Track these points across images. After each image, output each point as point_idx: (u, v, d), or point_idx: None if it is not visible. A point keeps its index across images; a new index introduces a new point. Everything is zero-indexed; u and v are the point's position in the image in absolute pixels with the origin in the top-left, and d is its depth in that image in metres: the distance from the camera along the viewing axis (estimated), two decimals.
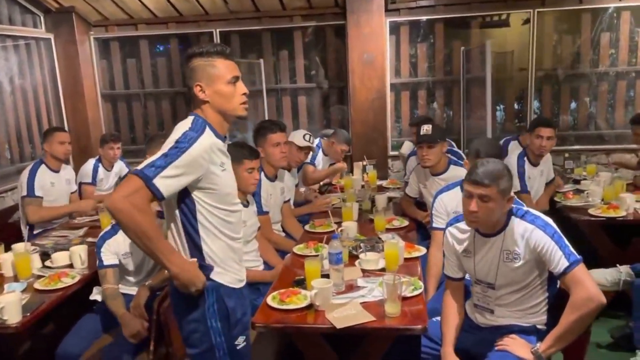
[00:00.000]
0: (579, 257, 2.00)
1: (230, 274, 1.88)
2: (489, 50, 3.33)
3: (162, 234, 1.74)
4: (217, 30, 5.43)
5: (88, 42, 5.58)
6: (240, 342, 1.92)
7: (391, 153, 5.43)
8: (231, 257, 1.90)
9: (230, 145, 2.74)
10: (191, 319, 1.84)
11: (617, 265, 2.96)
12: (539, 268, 2.09)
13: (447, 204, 2.91)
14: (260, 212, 3.15)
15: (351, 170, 4.86)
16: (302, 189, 4.25)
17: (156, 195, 1.63)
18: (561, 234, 2.05)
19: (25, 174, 3.82)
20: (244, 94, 1.82)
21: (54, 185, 3.91)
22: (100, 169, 4.61)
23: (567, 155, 4.43)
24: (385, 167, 5.22)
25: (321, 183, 4.69)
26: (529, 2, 4.99)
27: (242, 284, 1.97)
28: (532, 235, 2.04)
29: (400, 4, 5.17)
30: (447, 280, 2.34)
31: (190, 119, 1.78)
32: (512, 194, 2.09)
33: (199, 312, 1.82)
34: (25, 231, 3.94)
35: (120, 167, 4.76)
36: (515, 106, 5.51)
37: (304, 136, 3.86)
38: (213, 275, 1.83)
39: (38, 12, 5.25)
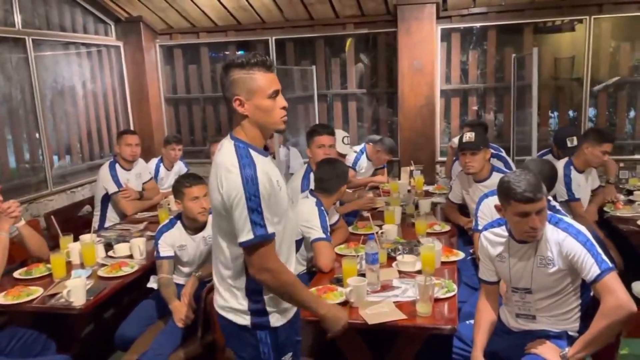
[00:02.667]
0: (611, 265, 2.02)
1: (285, 312, 1.85)
2: (536, 57, 3.33)
3: (302, 284, 1.81)
4: (273, 37, 5.65)
5: (154, 49, 5.95)
6: (287, 358, 1.89)
7: (439, 159, 5.46)
8: None
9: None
10: (240, 350, 1.87)
11: None
12: (572, 275, 2.13)
13: (492, 207, 2.94)
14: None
15: (398, 175, 4.93)
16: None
17: (274, 237, 1.71)
18: (594, 242, 2.08)
19: (106, 174, 4.17)
20: (284, 107, 1.76)
21: (129, 182, 4.25)
22: (162, 169, 4.93)
23: (622, 164, 4.31)
24: (433, 172, 5.26)
25: (367, 187, 4.79)
26: (585, 9, 4.90)
27: (295, 310, 1.92)
28: (565, 243, 2.08)
29: (452, 11, 5.20)
30: (482, 284, 2.39)
31: (231, 150, 1.72)
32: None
33: (252, 350, 1.83)
34: (95, 225, 4.31)
35: (179, 167, 5.07)
36: (570, 113, 5.40)
37: (342, 139, 4.02)
38: (271, 322, 1.81)
39: (109, 21, 5.66)
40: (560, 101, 5.37)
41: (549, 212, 2.20)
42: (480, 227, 2.96)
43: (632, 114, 5.24)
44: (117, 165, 4.24)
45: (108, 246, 3.33)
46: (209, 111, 6.17)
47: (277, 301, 1.80)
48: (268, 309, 1.80)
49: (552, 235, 2.12)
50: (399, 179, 4.77)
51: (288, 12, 5.40)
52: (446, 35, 5.33)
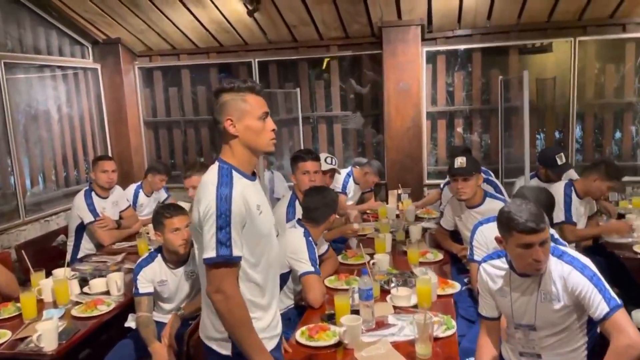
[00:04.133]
0: (619, 302, 1.92)
1: (266, 343, 1.81)
2: (527, 80, 3.26)
3: (252, 326, 1.74)
4: (256, 59, 5.55)
5: (133, 71, 5.80)
6: None
7: (427, 182, 5.37)
8: (272, 310, 1.88)
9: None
10: None
11: None
12: (578, 311, 2.02)
13: (488, 236, 2.83)
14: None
15: (386, 199, 4.82)
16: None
17: (239, 262, 1.71)
18: (600, 277, 1.98)
19: (81, 202, 4.00)
20: (273, 130, 1.81)
21: (105, 211, 4.06)
22: (141, 194, 4.75)
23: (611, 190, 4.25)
24: (421, 195, 5.16)
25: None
26: (570, 31, 4.90)
27: (278, 338, 1.93)
28: (570, 277, 1.97)
29: (437, 33, 5.16)
30: (482, 320, 2.27)
31: (214, 170, 1.77)
32: None
33: None
34: (69, 256, 4.10)
35: (160, 193, 4.89)
36: (557, 134, 5.37)
37: (325, 159, 3.92)
38: None
39: (86, 43, 5.50)
40: (546, 123, 5.34)
41: (552, 245, 2.10)
42: (475, 257, 2.86)
43: (617, 134, 5.23)
44: (93, 193, 4.06)
45: (83, 281, 3.14)
46: (190, 134, 6.01)
47: (259, 330, 1.78)
48: None
49: (556, 268, 2.02)
50: (387, 203, 4.67)
51: (271, 34, 5.31)
52: (431, 57, 5.29)
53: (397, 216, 4.36)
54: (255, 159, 1.86)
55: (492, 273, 2.18)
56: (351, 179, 4.76)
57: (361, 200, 4.84)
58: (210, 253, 1.65)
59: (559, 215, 3.49)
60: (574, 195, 3.59)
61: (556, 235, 2.69)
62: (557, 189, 3.65)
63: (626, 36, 4.88)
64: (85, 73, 5.55)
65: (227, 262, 1.66)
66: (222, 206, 1.66)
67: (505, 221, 2.01)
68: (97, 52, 5.60)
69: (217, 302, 1.68)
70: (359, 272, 2.76)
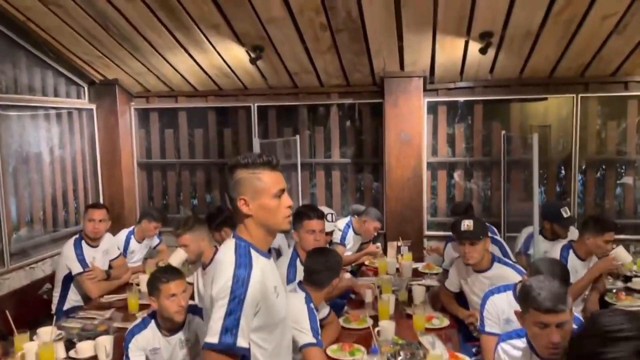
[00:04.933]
0: None
1: None
2: (536, 143, 3.21)
3: None
4: (255, 104, 5.48)
5: (129, 112, 5.70)
6: None
7: (427, 233, 5.27)
8: None
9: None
10: None
11: None
12: None
13: (499, 307, 2.72)
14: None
15: (385, 251, 4.70)
16: None
17: (241, 354, 1.58)
18: None
19: (70, 252, 3.84)
20: (289, 206, 1.74)
21: (95, 260, 3.90)
22: (132, 241, 4.59)
23: (614, 245, 4.17)
24: (421, 247, 5.05)
25: (353, 264, 4.55)
26: (571, 87, 4.91)
27: None
28: None
29: (439, 85, 5.15)
30: None
31: (231, 247, 1.69)
32: None
33: None
34: (54, 307, 3.92)
35: (151, 239, 4.73)
36: (557, 188, 5.32)
37: (326, 217, 3.80)
38: None
39: (82, 84, 5.40)
40: (548, 176, 5.30)
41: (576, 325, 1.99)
42: (487, 328, 2.74)
43: (618, 190, 5.19)
44: (83, 242, 3.90)
45: (69, 342, 2.95)
46: (184, 176, 5.89)
47: None
48: None
49: None
50: (386, 255, 4.55)
51: (272, 80, 5.26)
52: (432, 108, 5.26)
53: (397, 270, 4.24)
54: (271, 238, 1.78)
55: (512, 354, 2.05)
56: (350, 230, 4.65)
57: (360, 250, 4.70)
58: (213, 338, 1.54)
59: None
60: (571, 258, 3.50)
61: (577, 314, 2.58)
62: (555, 251, 3.57)
63: (628, 94, 4.89)
64: (80, 113, 5.44)
65: (228, 351, 1.55)
66: (237, 289, 1.56)
67: (523, 295, 1.94)
68: (93, 92, 5.50)
69: None
70: (365, 341, 2.62)
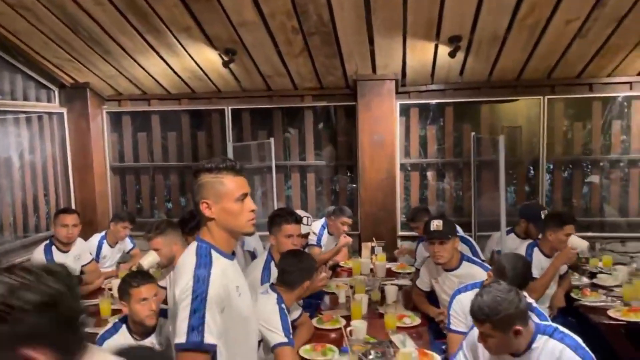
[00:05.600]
0: None
1: None
2: (502, 144, 3.30)
3: None
4: (229, 107, 5.49)
5: (100, 116, 5.64)
6: None
7: (400, 233, 5.34)
8: None
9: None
10: None
11: None
12: None
13: (466, 305, 2.76)
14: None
15: (359, 252, 4.75)
16: None
17: (211, 351, 1.60)
18: (591, 354, 1.99)
19: (40, 257, 3.79)
20: (252, 210, 1.77)
21: None
22: (105, 246, 4.54)
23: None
24: (394, 248, 5.10)
25: (329, 264, 4.58)
26: (539, 89, 5.03)
27: None
28: (563, 356, 1.95)
29: (410, 87, 5.23)
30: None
31: (193, 249, 1.72)
32: (526, 318, 2.00)
33: None
34: None
35: (124, 243, 4.70)
36: (527, 188, 5.44)
37: (302, 220, 3.83)
38: None
39: (53, 87, 5.33)
40: (517, 176, 5.42)
41: (543, 323, 2.07)
42: (452, 326, 2.83)
43: (585, 189, 5.34)
44: (53, 248, 3.85)
45: None
46: (158, 180, 5.86)
47: None
48: None
49: (548, 347, 1.99)
50: (359, 255, 4.60)
51: (245, 83, 5.27)
52: (405, 110, 5.34)
53: (371, 270, 4.29)
54: (234, 240, 1.81)
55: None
56: (325, 231, 4.69)
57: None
58: (180, 338, 1.57)
59: None
60: (536, 255, 3.60)
61: (535, 304, 2.66)
62: (520, 248, 3.68)
63: (592, 95, 5.04)
64: (51, 117, 5.37)
65: (197, 349, 1.57)
66: (199, 288, 1.60)
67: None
68: (63, 96, 5.44)
69: None
70: (338, 342, 2.66)
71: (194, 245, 1.75)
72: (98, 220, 5.45)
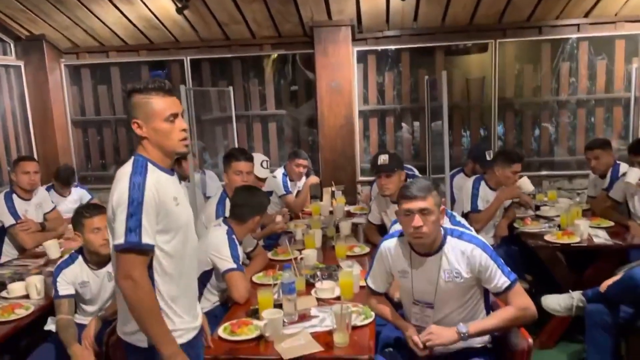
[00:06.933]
0: (515, 275, 2.13)
1: (183, 333, 1.84)
2: (445, 81, 3.43)
3: (161, 316, 1.74)
4: (188, 57, 5.49)
5: (59, 69, 5.60)
6: None
7: (360, 178, 5.49)
8: (187, 301, 1.88)
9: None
10: None
11: (570, 291, 3.02)
12: (478, 285, 2.19)
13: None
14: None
15: (320, 196, 4.89)
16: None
17: (151, 250, 1.71)
18: (496, 253, 2.16)
19: (1, 205, 3.82)
20: (184, 130, 1.81)
21: (28, 213, 3.91)
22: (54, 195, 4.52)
23: (518, 174, 4.48)
24: (354, 192, 5.28)
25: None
26: (490, 33, 5.15)
27: (197, 330, 1.94)
28: (473, 254, 2.13)
29: (367, 34, 5.29)
30: (371, 292, 2.41)
31: (130, 161, 1.78)
32: (442, 207, 2.20)
33: None
34: None
35: (80, 194, 4.70)
36: (481, 132, 5.62)
37: (261, 163, 3.94)
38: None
39: (8, 40, 5.26)
40: (472, 120, 5.59)
41: (452, 227, 2.25)
42: None
43: (537, 132, 5.54)
44: (14, 195, 3.90)
45: (1, 285, 3.02)
46: (121, 133, 5.87)
47: (172, 321, 1.79)
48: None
49: (457, 246, 2.16)
50: (321, 200, 4.74)
51: (203, 32, 5.27)
52: (362, 57, 5.41)
53: (331, 212, 4.44)
54: (169, 159, 1.85)
55: (393, 252, 2.29)
56: (287, 178, 4.79)
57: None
58: (119, 239, 1.65)
59: (465, 205, 3.79)
60: (482, 188, 3.84)
61: (458, 218, 2.85)
62: (469, 183, 3.91)
63: (542, 38, 5.19)
64: (7, 71, 5.31)
65: (135, 248, 1.66)
66: (134, 194, 1.67)
67: (400, 192, 2.19)
68: (19, 49, 5.37)
69: (125, 289, 1.67)
70: (281, 266, 2.81)
71: (131, 160, 1.80)
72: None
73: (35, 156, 5.44)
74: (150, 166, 1.76)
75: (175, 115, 1.79)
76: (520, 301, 2.10)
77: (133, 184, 1.68)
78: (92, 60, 5.67)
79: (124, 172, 1.74)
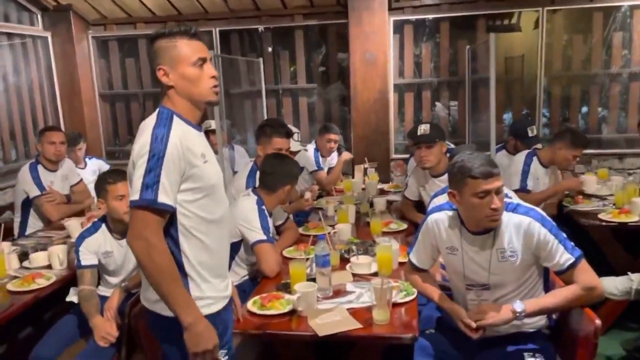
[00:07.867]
0: (580, 250, 1.91)
1: (212, 302, 1.68)
2: (493, 45, 3.14)
3: (179, 279, 1.58)
4: (217, 29, 5.31)
5: (86, 41, 5.49)
6: (221, 357, 1.68)
7: (394, 156, 5.26)
8: (217, 268, 1.72)
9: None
10: (171, 344, 1.68)
11: (629, 273, 2.77)
12: (537, 264, 1.96)
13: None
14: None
15: (352, 173, 4.69)
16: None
17: (167, 211, 1.55)
18: (558, 228, 1.91)
19: (26, 176, 3.72)
20: (213, 77, 1.66)
21: (53, 185, 3.82)
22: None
23: (578, 159, 4.21)
24: (388, 170, 5.05)
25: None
26: (538, 1, 4.81)
27: (227, 300, 1.77)
28: (530, 228, 1.89)
29: (404, 2, 5.02)
30: (414, 268, 2.20)
31: (155, 113, 1.63)
32: None
33: (180, 341, 1.59)
34: (16, 233, 3.85)
35: (99, 165, 4.61)
36: (524, 111, 5.30)
37: (292, 136, 3.74)
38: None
39: (35, 10, 5.17)
40: (514, 100, 5.27)
41: (506, 201, 2.00)
42: None
43: (584, 109, 5.20)
44: (39, 167, 3.80)
45: (24, 256, 2.92)
46: (149, 108, 5.75)
47: (200, 288, 1.65)
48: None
49: (512, 221, 1.92)
50: (353, 177, 4.54)
51: (232, 3, 5.08)
52: (399, 28, 5.14)
53: (363, 189, 4.24)
54: (199, 111, 1.70)
55: (442, 226, 2.06)
56: (319, 153, 4.61)
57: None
58: (135, 195, 1.52)
59: (515, 182, 3.46)
60: (534, 164, 3.53)
61: (505, 191, 2.61)
62: (519, 158, 3.61)
63: (593, 6, 4.82)
64: (35, 42, 5.22)
65: (150, 207, 1.51)
66: (156, 147, 1.52)
67: (457, 171, 1.90)
68: (47, 19, 5.27)
69: (137, 249, 1.53)
70: (313, 241, 2.63)
71: (155, 112, 1.65)
72: (90, 147, 5.35)
73: (63, 129, 5.37)
74: (176, 118, 1.61)
75: (203, 60, 1.64)
76: (587, 279, 1.86)
77: (155, 137, 1.53)
78: (120, 32, 5.54)
79: (147, 125, 1.60)
